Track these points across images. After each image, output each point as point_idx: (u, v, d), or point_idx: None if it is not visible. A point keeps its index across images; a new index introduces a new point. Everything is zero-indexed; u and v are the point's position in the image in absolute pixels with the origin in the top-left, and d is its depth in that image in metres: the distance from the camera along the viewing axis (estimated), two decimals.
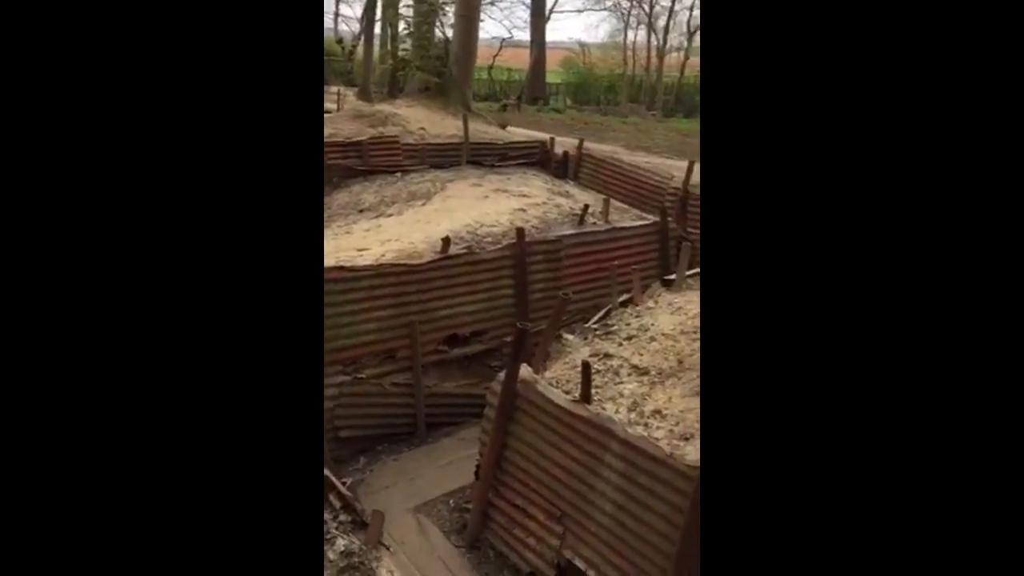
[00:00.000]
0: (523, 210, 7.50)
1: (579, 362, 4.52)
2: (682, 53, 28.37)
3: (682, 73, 27.67)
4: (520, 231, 6.59)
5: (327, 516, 3.02)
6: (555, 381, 4.57)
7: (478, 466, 4.98)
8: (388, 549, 3.02)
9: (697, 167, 9.60)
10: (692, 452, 3.57)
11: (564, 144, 11.03)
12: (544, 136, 11.46)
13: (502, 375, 4.63)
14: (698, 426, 3.79)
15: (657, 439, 3.77)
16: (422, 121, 10.70)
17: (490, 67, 25.88)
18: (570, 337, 5.15)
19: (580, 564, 4.16)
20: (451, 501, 5.36)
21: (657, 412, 4.03)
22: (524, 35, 27.21)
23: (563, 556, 4.28)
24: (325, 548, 2.85)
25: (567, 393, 4.32)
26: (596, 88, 29.09)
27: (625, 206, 8.58)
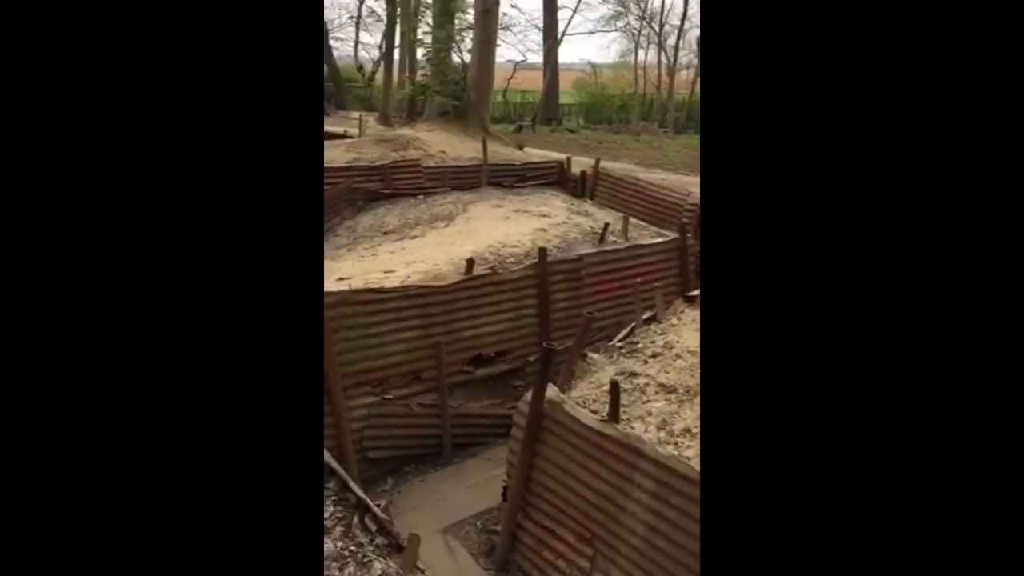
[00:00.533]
0: (544, 230, 7.56)
1: (605, 381, 4.52)
2: (692, 71, 28.54)
3: (692, 91, 27.81)
4: (543, 251, 6.65)
5: (364, 539, 3.04)
6: (582, 400, 4.57)
7: (505, 487, 4.97)
8: (423, 573, 3.03)
9: None
10: None
11: (580, 163, 11.13)
12: (560, 156, 11.57)
13: (528, 395, 4.64)
14: None
15: (688, 458, 3.75)
16: (442, 144, 10.89)
17: (505, 90, 26.26)
18: (595, 356, 5.16)
19: None
20: (479, 523, 5.35)
21: (687, 431, 4.02)
22: (537, 57, 27.62)
23: None
24: (361, 572, 2.87)
25: (594, 412, 4.32)
26: (608, 107, 29.33)
27: (644, 223, 8.61)
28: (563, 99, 28.49)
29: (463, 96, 13.31)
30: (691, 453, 3.80)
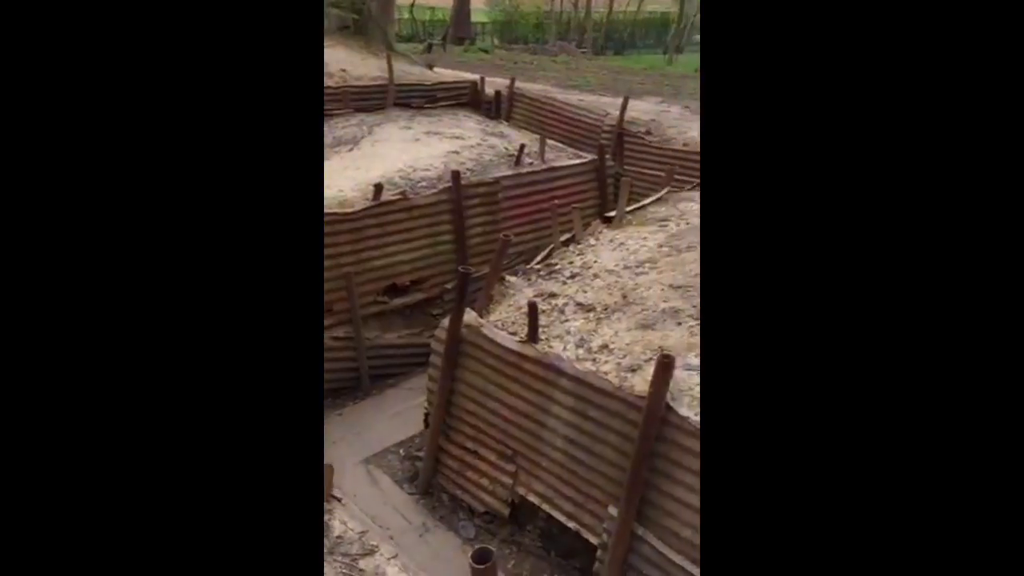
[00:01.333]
0: (456, 152, 7.25)
1: (523, 303, 4.47)
2: None
3: (610, 10, 27.21)
4: (456, 174, 6.37)
5: None
6: (501, 324, 4.51)
7: (427, 414, 4.93)
8: (339, 501, 2.94)
9: (631, 102, 9.53)
10: (639, 383, 3.62)
11: (495, 85, 10.68)
12: (473, 76, 11.03)
13: (446, 322, 4.53)
14: (644, 357, 3.84)
15: (605, 373, 3.80)
16: (342, 62, 10.06)
17: (412, 5, 24.59)
18: (513, 279, 5.08)
19: (534, 499, 4.23)
20: (401, 451, 5.32)
21: (604, 347, 4.06)
22: None
23: (516, 494, 4.34)
24: None
25: (513, 335, 4.28)
26: (523, 27, 28.26)
27: (561, 145, 8.44)
28: (475, 17, 27.11)
29: (363, 9, 12.28)
30: (608, 368, 3.85)
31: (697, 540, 3.36)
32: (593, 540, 3.90)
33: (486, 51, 23.30)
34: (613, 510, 3.72)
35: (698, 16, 26.15)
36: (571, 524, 4.04)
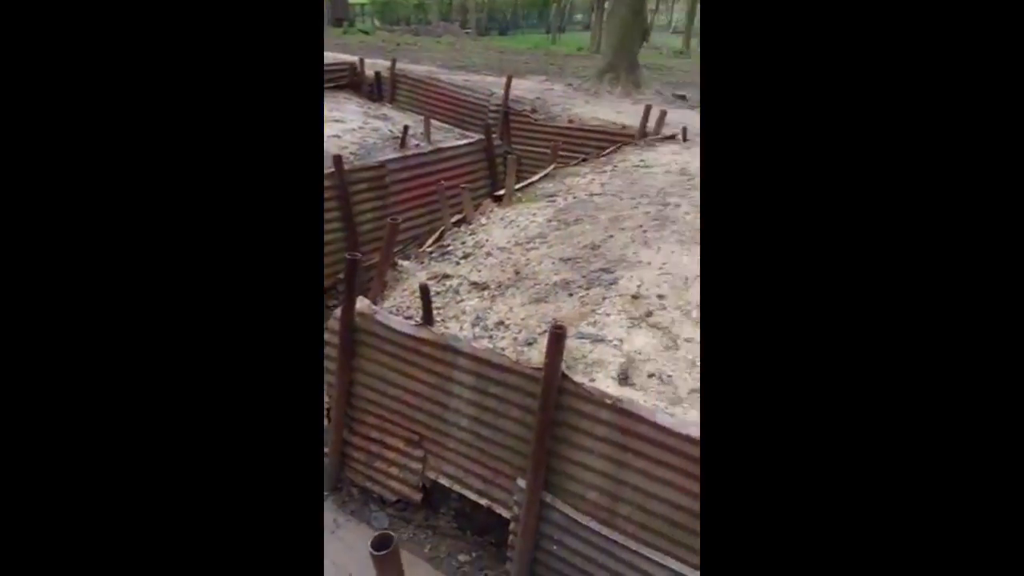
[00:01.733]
0: (338, 136, 6.97)
1: (417, 286, 4.40)
2: None
3: None
4: (338, 159, 6.12)
5: None
6: (395, 309, 4.42)
7: (328, 408, 4.75)
8: None
9: (517, 81, 9.58)
10: (536, 355, 3.68)
11: (377, 67, 10.34)
12: (352, 59, 10.63)
13: (338, 312, 4.37)
14: (539, 330, 3.91)
15: (502, 349, 3.83)
16: None
17: None
18: (406, 263, 4.98)
19: (444, 482, 4.22)
20: None
21: (500, 323, 4.08)
22: None
23: (427, 478, 4.30)
24: None
25: (408, 319, 4.20)
26: (404, 7, 27.56)
27: (448, 126, 8.35)
28: None
29: None
30: (505, 344, 3.88)
31: (602, 501, 3.49)
32: (505, 514, 3.95)
33: (366, 32, 22.54)
34: (521, 482, 3.79)
35: None
36: (483, 501, 4.07)
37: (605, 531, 3.47)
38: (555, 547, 3.74)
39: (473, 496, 4.09)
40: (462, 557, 4.24)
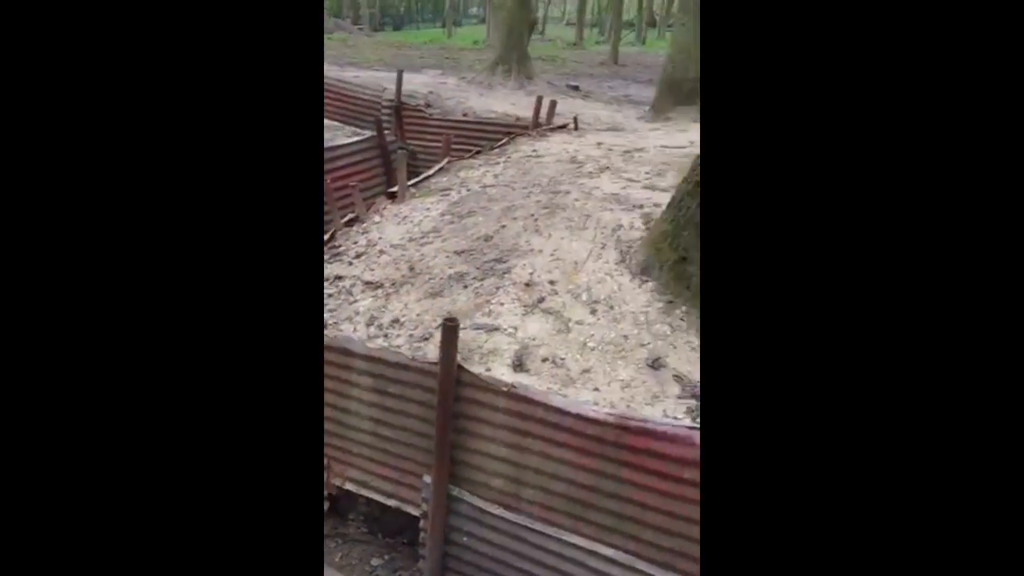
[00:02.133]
0: None
1: None
2: None
3: None
4: None
5: None
6: None
7: None
8: None
9: (408, 76, 9.44)
10: (432, 350, 3.66)
11: None
12: None
13: None
14: (434, 325, 3.89)
15: (398, 346, 3.78)
16: None
17: None
18: None
19: (351, 487, 4.12)
20: None
21: (395, 321, 4.03)
22: None
23: (333, 486, 4.18)
24: None
25: None
26: None
27: (340, 124, 8.12)
28: None
29: None
30: (400, 341, 3.83)
31: (507, 487, 3.53)
32: (415, 512, 3.91)
33: None
34: (428, 478, 3.76)
35: None
36: (391, 502, 4.01)
37: (511, 516, 3.52)
38: (465, 539, 3.75)
39: (381, 498, 4.02)
40: (375, 561, 4.16)
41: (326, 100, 9.16)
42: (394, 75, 9.68)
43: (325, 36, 20.63)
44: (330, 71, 11.48)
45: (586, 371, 3.39)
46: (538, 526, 3.43)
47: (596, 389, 3.27)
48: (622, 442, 3.02)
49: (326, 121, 7.56)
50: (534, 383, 3.36)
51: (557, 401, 3.23)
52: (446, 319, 3.40)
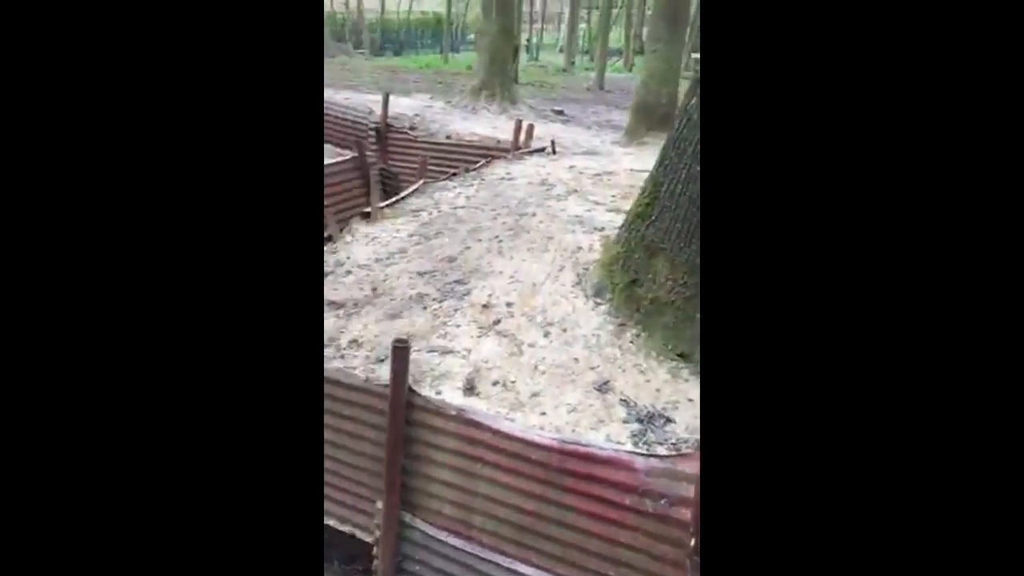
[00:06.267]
0: None
1: None
2: None
3: (383, 11, 27.04)
4: None
5: None
6: None
7: None
8: None
9: (397, 99, 9.54)
10: (386, 373, 3.62)
11: None
12: None
13: None
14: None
15: (353, 368, 3.74)
16: None
17: None
18: None
19: None
20: None
21: (353, 342, 4.00)
22: None
23: None
24: None
25: None
26: None
27: (327, 145, 8.18)
28: None
29: None
30: (357, 362, 3.80)
31: (457, 514, 3.46)
32: (368, 539, 3.84)
33: None
34: (380, 503, 3.69)
35: (468, 16, 27.10)
36: (345, 528, 3.93)
37: (461, 544, 3.44)
38: (417, 567, 3.66)
39: (335, 523, 3.95)
40: None
41: None
42: (377, 96, 9.80)
43: (328, 59, 20.97)
44: (326, 94, 11.62)
45: (535, 394, 3.34)
46: (487, 554, 3.35)
47: (544, 413, 3.22)
48: (565, 467, 2.97)
49: None
50: (484, 406, 3.32)
51: (504, 426, 3.18)
52: (396, 341, 3.36)
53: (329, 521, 3.96)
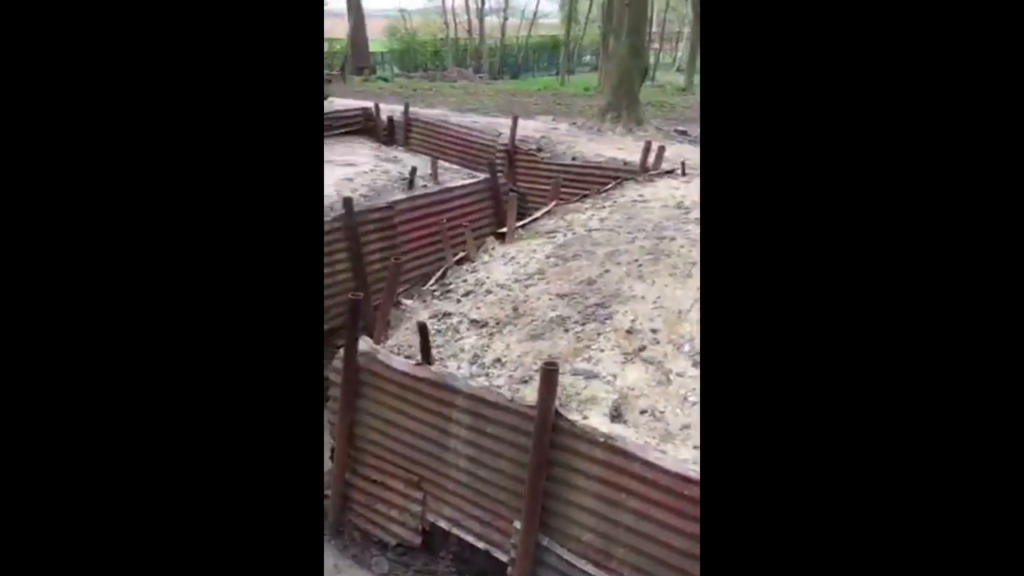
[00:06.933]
0: (350, 179, 7.17)
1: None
2: (501, 15, 28.66)
3: (503, 35, 27.95)
4: (348, 200, 6.29)
5: None
6: (397, 348, 4.46)
7: (332, 449, 4.77)
8: None
9: (522, 122, 9.78)
10: (531, 393, 3.67)
11: (392, 111, 10.68)
12: (368, 104, 11.00)
13: (341, 352, 4.43)
14: (534, 367, 3.90)
15: (499, 386, 3.83)
16: None
17: None
18: (409, 302, 5.05)
19: (444, 524, 4.17)
20: None
21: (497, 360, 4.09)
22: (339, 2, 25.71)
23: (426, 521, 4.26)
24: None
25: (409, 358, 4.24)
26: (422, 54, 28.49)
27: (457, 167, 8.54)
28: (374, 47, 27.00)
29: None
30: (501, 381, 3.88)
31: (597, 543, 3.42)
32: (503, 558, 3.88)
33: (385, 80, 23.29)
34: (518, 524, 3.73)
35: (584, 38, 27.28)
36: (481, 544, 4.00)
37: (599, 574, 3.39)
38: None
39: (471, 539, 4.03)
40: None
41: (447, 144, 9.70)
42: (508, 120, 10.08)
43: (450, 84, 21.98)
44: (451, 117, 12.16)
45: (686, 426, 3.24)
46: None
47: (696, 447, 3.11)
48: None
49: (444, 163, 7.98)
50: (631, 435, 3.26)
51: (654, 457, 3.11)
52: (546, 363, 3.40)
53: (466, 535, 4.06)
